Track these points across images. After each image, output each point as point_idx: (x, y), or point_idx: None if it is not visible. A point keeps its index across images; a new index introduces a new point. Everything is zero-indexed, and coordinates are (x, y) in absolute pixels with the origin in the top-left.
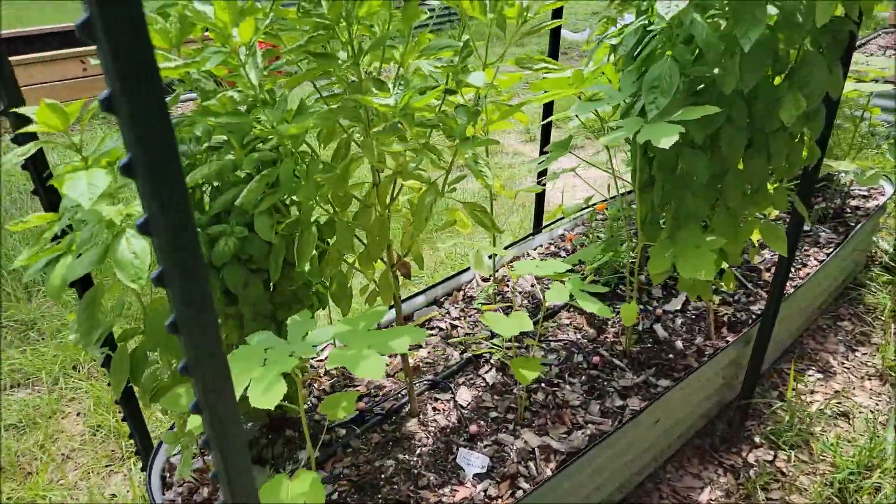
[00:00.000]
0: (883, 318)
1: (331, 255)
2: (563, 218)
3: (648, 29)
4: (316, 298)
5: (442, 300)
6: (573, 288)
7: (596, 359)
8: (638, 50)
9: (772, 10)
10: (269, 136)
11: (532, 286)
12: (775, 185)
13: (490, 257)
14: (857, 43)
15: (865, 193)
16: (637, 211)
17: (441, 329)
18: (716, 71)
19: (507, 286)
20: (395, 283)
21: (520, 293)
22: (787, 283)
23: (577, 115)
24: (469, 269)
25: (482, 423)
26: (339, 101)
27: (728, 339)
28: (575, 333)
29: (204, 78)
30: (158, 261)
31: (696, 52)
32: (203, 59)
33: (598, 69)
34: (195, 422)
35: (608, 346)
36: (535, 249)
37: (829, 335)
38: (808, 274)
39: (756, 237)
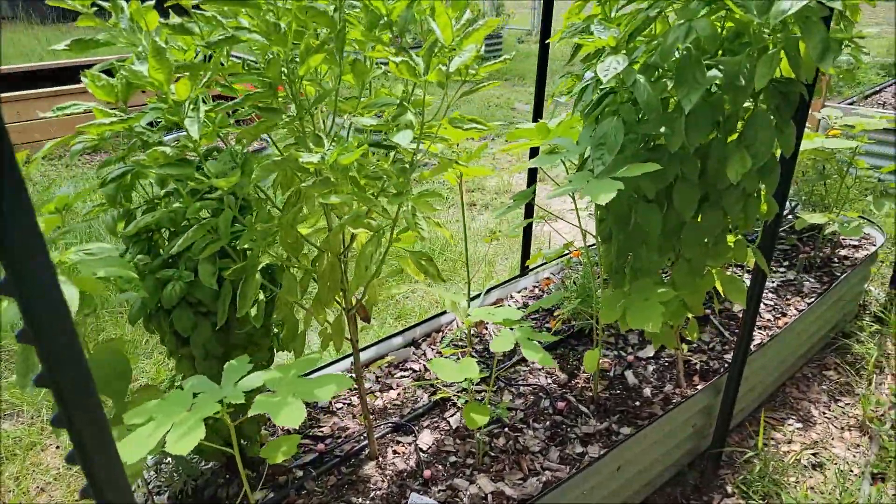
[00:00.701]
0: (868, 369)
1: (280, 300)
2: (546, 263)
3: (602, 87)
4: (276, 340)
5: (420, 341)
6: (521, 336)
7: (561, 404)
8: (589, 107)
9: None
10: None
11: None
12: (736, 238)
13: (470, 300)
14: (871, 91)
15: (856, 243)
16: (601, 260)
17: (415, 371)
18: (662, 130)
19: (486, 328)
20: (354, 328)
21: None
22: (766, 333)
23: (540, 168)
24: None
25: (440, 466)
26: (288, 152)
27: (699, 387)
28: (546, 378)
29: (148, 131)
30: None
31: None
32: (138, 115)
33: (565, 122)
34: (130, 457)
35: (577, 391)
36: (519, 292)
37: (813, 384)
38: (787, 323)
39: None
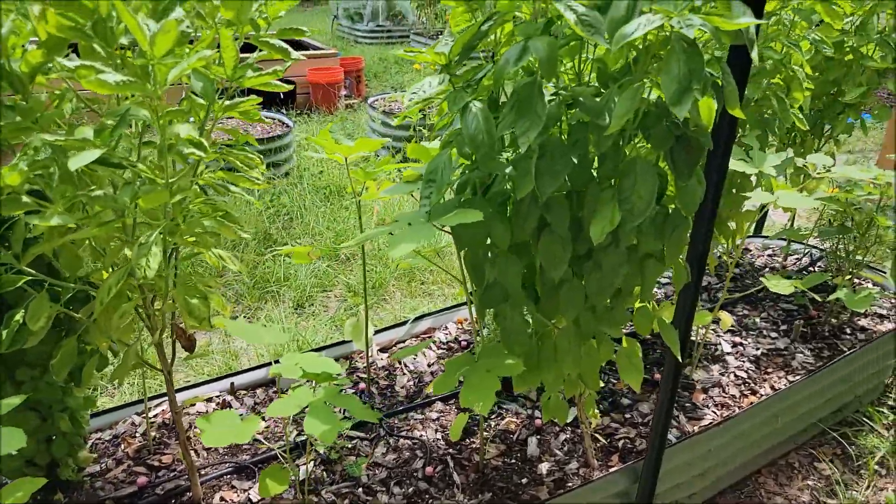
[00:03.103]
0: (868, 469)
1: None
2: None
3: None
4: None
5: None
6: (317, 399)
7: (429, 469)
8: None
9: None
10: None
11: (429, 365)
12: (640, 305)
13: (379, 331)
14: None
15: (884, 313)
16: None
17: None
18: (507, 171)
19: (399, 362)
20: (164, 358)
21: (409, 371)
22: (720, 413)
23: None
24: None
25: None
26: None
27: (612, 469)
28: (436, 432)
29: None
30: None
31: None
32: None
33: None
34: None
35: (466, 454)
36: (458, 322)
37: (797, 478)
38: (752, 403)
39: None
